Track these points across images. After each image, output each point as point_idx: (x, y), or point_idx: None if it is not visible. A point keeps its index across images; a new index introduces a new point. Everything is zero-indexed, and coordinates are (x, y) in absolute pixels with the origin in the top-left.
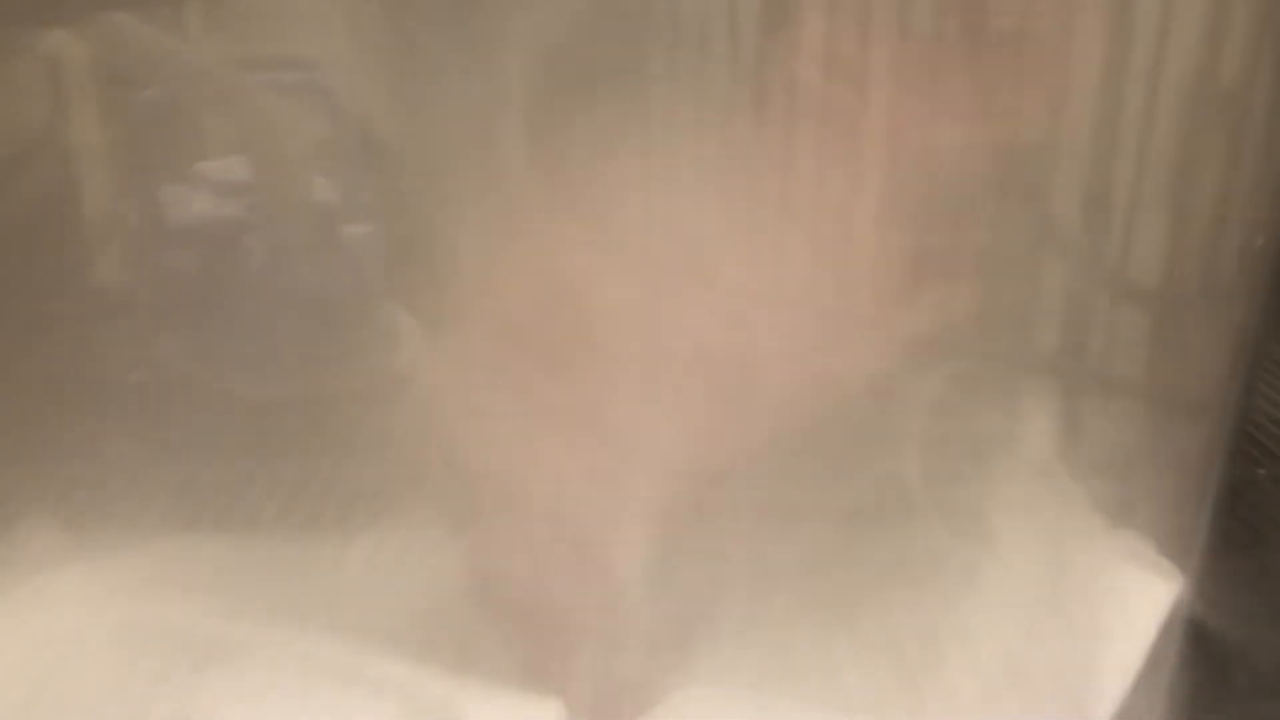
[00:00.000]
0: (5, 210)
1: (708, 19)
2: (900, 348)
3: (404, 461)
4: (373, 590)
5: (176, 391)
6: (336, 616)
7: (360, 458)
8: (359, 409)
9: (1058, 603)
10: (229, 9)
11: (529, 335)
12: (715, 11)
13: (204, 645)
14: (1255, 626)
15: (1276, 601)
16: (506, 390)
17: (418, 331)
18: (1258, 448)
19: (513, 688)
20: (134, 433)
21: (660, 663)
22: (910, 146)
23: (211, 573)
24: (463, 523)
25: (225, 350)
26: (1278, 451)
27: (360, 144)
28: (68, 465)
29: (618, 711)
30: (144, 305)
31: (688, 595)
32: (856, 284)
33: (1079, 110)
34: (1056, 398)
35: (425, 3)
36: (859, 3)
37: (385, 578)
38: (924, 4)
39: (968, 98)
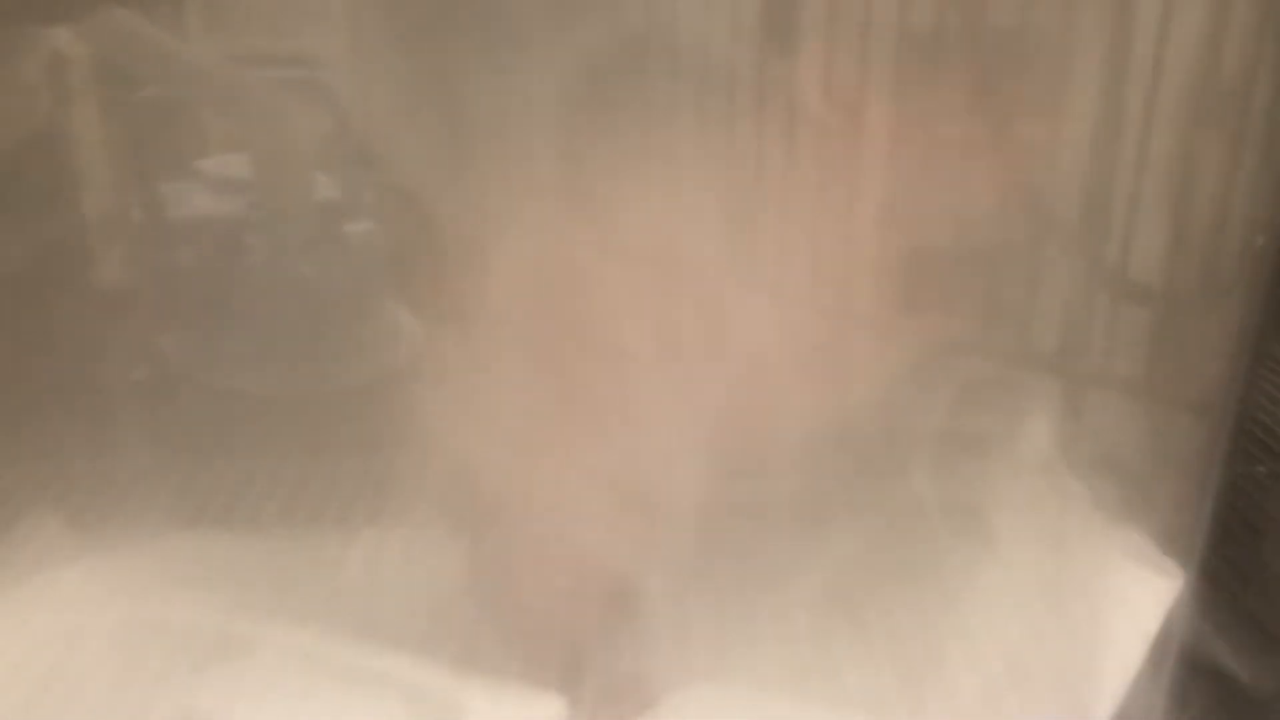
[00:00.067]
0: (7, 207)
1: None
2: (902, 348)
3: (406, 459)
4: (375, 588)
5: (178, 389)
6: (338, 614)
7: (362, 456)
8: (360, 407)
9: (1058, 601)
10: (230, 7)
11: (531, 333)
12: (716, 26)
13: (206, 643)
14: (1256, 623)
15: (1274, 598)
16: (508, 388)
17: (419, 329)
18: (1258, 445)
19: (515, 684)
20: (136, 431)
21: (662, 660)
22: (912, 150)
23: (213, 571)
24: (465, 521)
25: (227, 348)
26: (1278, 449)
27: (361, 141)
28: (69, 464)
29: (620, 708)
30: (145, 303)
31: (689, 594)
32: (859, 285)
33: (1080, 110)
34: (1057, 397)
35: (425, 2)
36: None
37: (387, 575)
38: (924, 5)
39: (968, 99)
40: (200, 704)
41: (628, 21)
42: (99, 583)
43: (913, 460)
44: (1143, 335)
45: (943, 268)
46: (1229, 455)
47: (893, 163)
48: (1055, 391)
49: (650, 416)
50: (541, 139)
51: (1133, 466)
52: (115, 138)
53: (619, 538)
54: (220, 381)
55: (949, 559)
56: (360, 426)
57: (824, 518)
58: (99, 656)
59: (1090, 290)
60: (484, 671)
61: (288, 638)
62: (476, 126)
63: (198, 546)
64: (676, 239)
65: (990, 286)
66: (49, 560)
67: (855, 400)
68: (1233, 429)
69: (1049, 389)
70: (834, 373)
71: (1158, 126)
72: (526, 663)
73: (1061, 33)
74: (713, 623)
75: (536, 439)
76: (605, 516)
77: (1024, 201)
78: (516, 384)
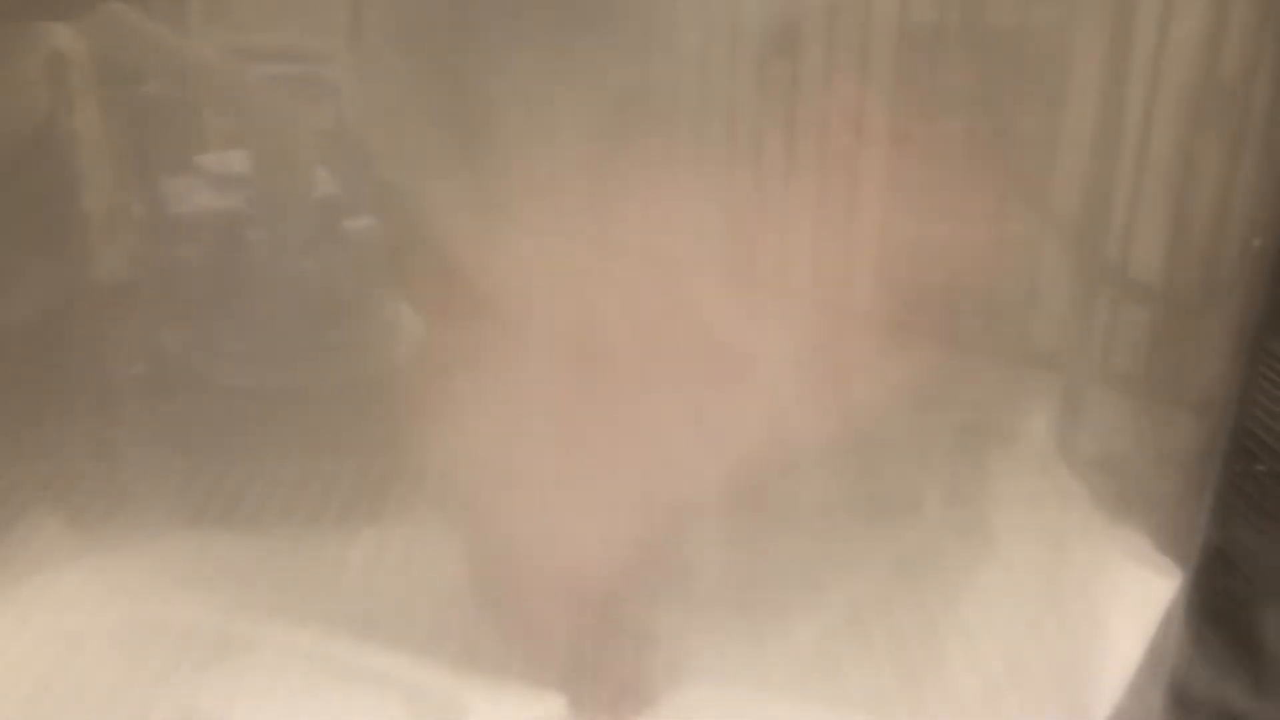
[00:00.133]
0: (7, 204)
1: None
2: (901, 347)
3: (407, 457)
4: (376, 586)
5: (178, 386)
6: (340, 613)
7: (363, 454)
8: (361, 405)
9: (1057, 600)
10: (231, 2)
11: (532, 332)
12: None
13: (207, 642)
14: (1254, 623)
15: (1273, 597)
16: (509, 388)
17: (420, 326)
18: (1257, 443)
19: (516, 683)
20: (136, 430)
21: (662, 659)
22: (911, 151)
23: (214, 570)
24: (466, 519)
25: (227, 344)
26: (1277, 446)
27: (362, 137)
28: (69, 463)
29: (620, 707)
30: (145, 299)
31: (689, 592)
32: (859, 285)
33: (1079, 110)
34: (1057, 395)
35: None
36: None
37: (388, 574)
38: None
39: (967, 100)
40: (201, 704)
41: (627, 21)
42: (99, 582)
43: (911, 459)
44: (1142, 333)
45: (942, 267)
46: (1228, 454)
47: (892, 163)
48: (1054, 390)
49: (652, 417)
50: (543, 138)
51: (1131, 465)
52: (115, 134)
53: (620, 537)
54: (221, 379)
55: (948, 558)
56: (360, 425)
57: (823, 517)
58: (99, 656)
59: (1089, 289)
60: (484, 671)
61: (288, 637)
62: (477, 123)
63: (198, 546)
64: (678, 239)
65: (990, 284)
66: (49, 560)
67: (854, 399)
68: (1231, 428)
69: (1048, 388)
70: (832, 372)
71: (1157, 127)
72: (527, 662)
73: (1061, 33)
74: (713, 622)
75: (537, 438)
76: (606, 516)
77: (1023, 201)
78: (517, 383)
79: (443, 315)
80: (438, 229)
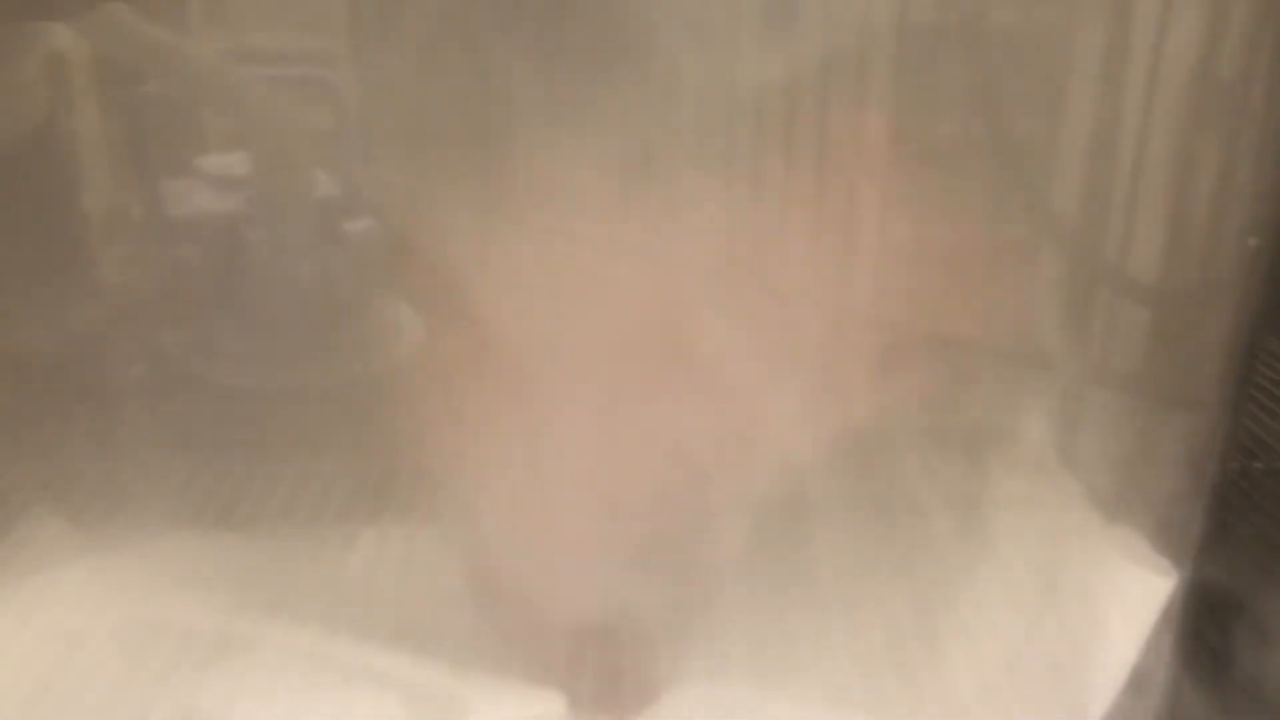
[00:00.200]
0: (6, 205)
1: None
2: (899, 346)
3: (406, 458)
4: (375, 586)
5: (179, 387)
6: (340, 612)
7: (362, 454)
8: (361, 405)
9: (1055, 599)
10: (230, 3)
11: (531, 333)
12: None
13: (207, 642)
14: (1249, 620)
15: (1270, 595)
16: (508, 386)
17: (420, 326)
18: (1255, 441)
19: (515, 682)
20: (136, 430)
21: (661, 658)
22: (911, 148)
23: (214, 569)
24: (466, 518)
25: (227, 345)
26: (1274, 445)
27: (362, 138)
28: (69, 463)
29: (619, 706)
30: (145, 300)
31: (688, 591)
32: (857, 283)
33: (1077, 109)
34: (1054, 394)
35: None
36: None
37: (388, 574)
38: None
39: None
40: (200, 703)
41: (627, 23)
42: (99, 582)
43: (909, 458)
44: (1138, 332)
45: (940, 264)
46: (1224, 452)
47: (891, 167)
48: (1051, 390)
49: (651, 416)
50: (542, 139)
51: (1128, 465)
52: (115, 135)
53: (618, 537)
54: (221, 379)
55: (946, 557)
56: (360, 426)
57: (822, 516)
58: (99, 656)
59: (1086, 290)
60: (484, 670)
61: (288, 637)
62: (477, 124)
63: (198, 546)
64: (678, 242)
65: (987, 284)
66: (49, 560)
67: (854, 401)
68: (1228, 426)
69: (1045, 388)
70: (831, 373)
71: (1154, 126)
72: (526, 661)
73: (1059, 35)
74: (712, 622)
75: (536, 438)
76: (605, 515)
77: (1020, 201)
78: (515, 384)
79: (442, 316)
80: (437, 230)
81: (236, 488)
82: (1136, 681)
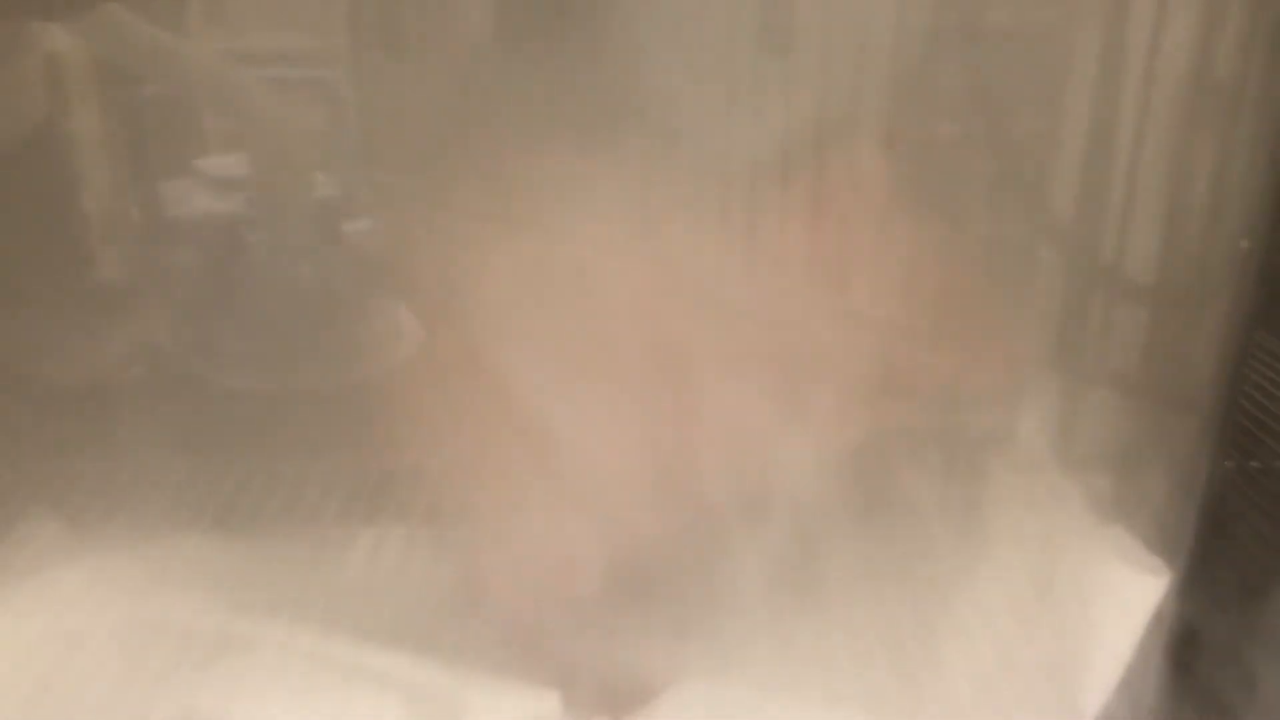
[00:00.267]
0: (5, 206)
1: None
2: (894, 345)
3: (405, 459)
4: (374, 587)
5: (177, 388)
6: (338, 612)
7: (361, 455)
8: (360, 406)
9: (1049, 598)
10: (229, 4)
11: (530, 333)
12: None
13: (207, 642)
14: (1243, 619)
15: (1264, 594)
16: (506, 388)
17: (418, 328)
18: (1250, 439)
19: (512, 682)
20: (134, 430)
21: (658, 657)
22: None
23: (213, 570)
24: (464, 519)
25: (225, 346)
26: (1269, 444)
27: (360, 139)
28: (68, 463)
29: (616, 705)
30: (144, 301)
31: (685, 591)
32: (855, 283)
33: (1072, 111)
34: (1049, 394)
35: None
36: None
37: (387, 573)
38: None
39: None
40: (200, 704)
41: (627, 23)
42: (99, 583)
43: (905, 459)
44: (1133, 333)
45: (937, 263)
46: (1218, 450)
47: (890, 164)
48: (1046, 390)
49: (648, 417)
50: (542, 141)
51: (1123, 463)
52: (114, 136)
53: (616, 537)
54: (220, 380)
55: (942, 557)
56: (359, 427)
57: (818, 517)
58: (98, 656)
59: (1080, 290)
60: (482, 670)
61: (287, 637)
62: (476, 126)
63: (197, 547)
64: (679, 243)
65: (983, 283)
66: (49, 561)
67: (848, 399)
68: (1222, 424)
69: (1040, 388)
70: (828, 373)
71: (1148, 129)
72: (524, 662)
73: (1055, 37)
74: (708, 621)
75: (533, 440)
76: (602, 516)
77: (1016, 201)
78: (514, 386)
79: (441, 318)
80: (436, 231)
81: (236, 489)
82: (1131, 680)
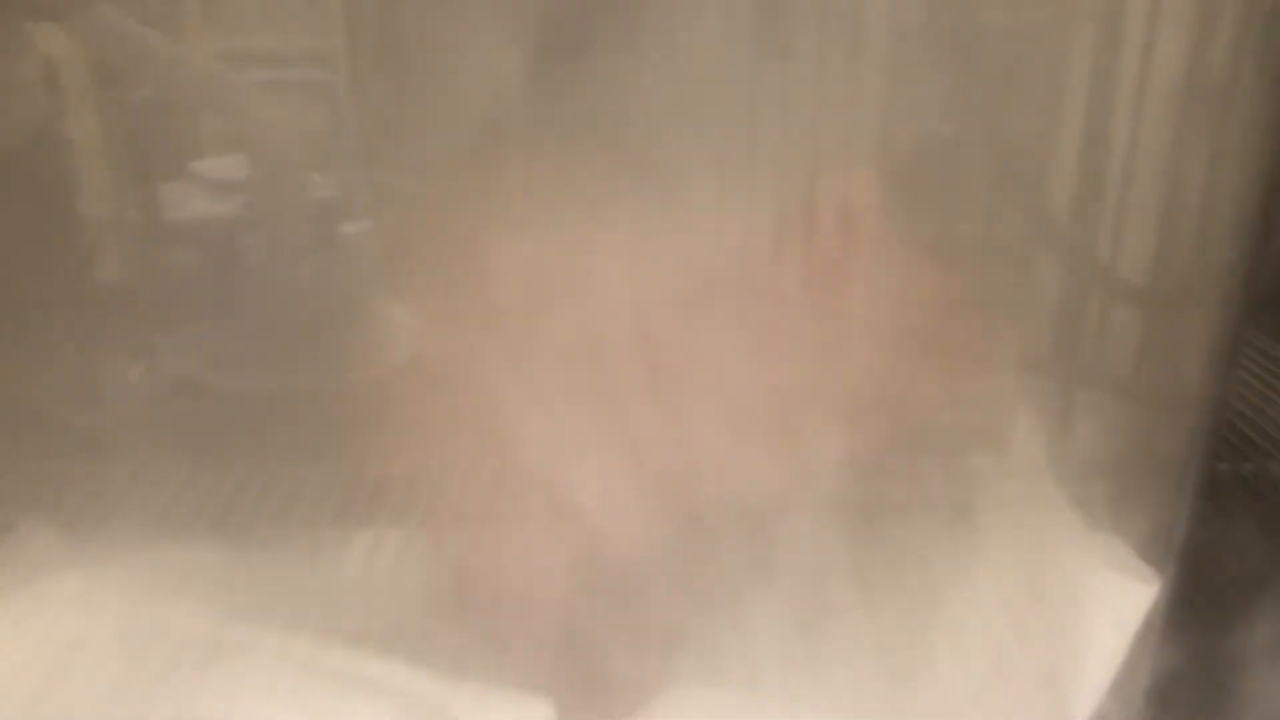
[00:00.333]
0: (2, 209)
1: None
2: (885, 349)
3: (402, 462)
4: (369, 591)
5: (174, 392)
6: (334, 618)
7: (358, 459)
8: (356, 409)
9: (1041, 603)
10: (225, 6)
11: (529, 334)
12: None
13: (203, 647)
14: (1235, 625)
15: (1257, 598)
16: (504, 391)
17: (416, 331)
18: (1245, 441)
19: (505, 688)
20: (131, 433)
21: (650, 663)
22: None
23: (210, 574)
24: (459, 523)
25: (223, 349)
26: (1262, 447)
27: (358, 141)
28: (65, 468)
29: (608, 711)
30: (141, 305)
31: (677, 596)
32: (848, 288)
33: (1067, 114)
34: (1041, 399)
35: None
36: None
37: (381, 579)
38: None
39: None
40: (198, 706)
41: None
42: (96, 587)
43: (895, 464)
44: (1126, 337)
45: (934, 263)
46: (1209, 455)
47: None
48: (1037, 395)
49: (643, 423)
50: (541, 142)
51: (1115, 466)
52: (110, 139)
53: (611, 540)
54: (217, 383)
55: (935, 562)
56: (356, 431)
57: (811, 519)
58: (97, 660)
59: (1073, 291)
60: (474, 677)
61: (281, 643)
62: (475, 127)
63: (194, 550)
64: (675, 243)
65: (978, 285)
66: (46, 564)
67: (845, 399)
68: (1213, 428)
69: (1031, 392)
70: (825, 376)
71: (1142, 131)
72: (516, 668)
73: (1049, 40)
74: (702, 624)
75: (531, 444)
76: (597, 519)
77: (1011, 202)
78: (512, 389)
79: (439, 321)
80: (435, 233)
81: (232, 493)
82: (1120, 685)
